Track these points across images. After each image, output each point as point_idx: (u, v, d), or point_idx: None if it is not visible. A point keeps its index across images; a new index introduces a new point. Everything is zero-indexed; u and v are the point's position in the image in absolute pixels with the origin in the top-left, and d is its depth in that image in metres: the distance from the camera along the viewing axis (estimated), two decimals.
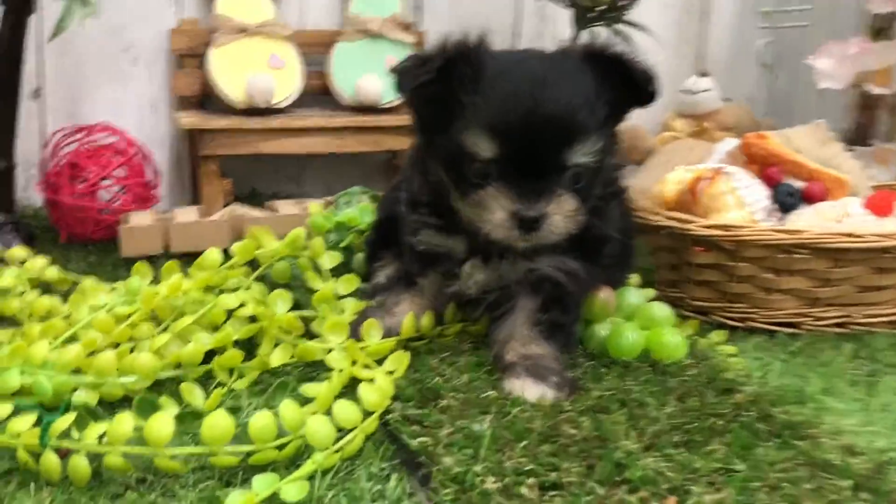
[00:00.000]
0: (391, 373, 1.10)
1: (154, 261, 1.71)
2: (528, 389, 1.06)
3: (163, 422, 0.91)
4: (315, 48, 2.20)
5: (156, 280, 1.29)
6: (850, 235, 1.51)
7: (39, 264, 1.48)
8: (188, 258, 1.73)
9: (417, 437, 0.94)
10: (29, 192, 2.07)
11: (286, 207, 1.90)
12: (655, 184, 1.81)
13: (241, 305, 1.24)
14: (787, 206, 1.74)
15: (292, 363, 1.19)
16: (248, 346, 1.23)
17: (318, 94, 2.22)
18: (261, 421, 0.91)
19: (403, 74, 1.12)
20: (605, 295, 1.25)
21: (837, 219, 1.63)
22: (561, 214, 1.09)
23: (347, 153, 2.09)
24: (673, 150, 2.38)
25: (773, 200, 1.73)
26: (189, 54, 2.12)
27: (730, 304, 1.61)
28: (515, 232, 1.08)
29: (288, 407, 0.92)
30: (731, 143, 2.19)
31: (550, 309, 1.17)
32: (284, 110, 2.08)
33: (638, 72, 1.12)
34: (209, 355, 1.17)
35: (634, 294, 1.31)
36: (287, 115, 2.04)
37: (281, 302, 1.25)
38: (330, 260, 1.36)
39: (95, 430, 0.93)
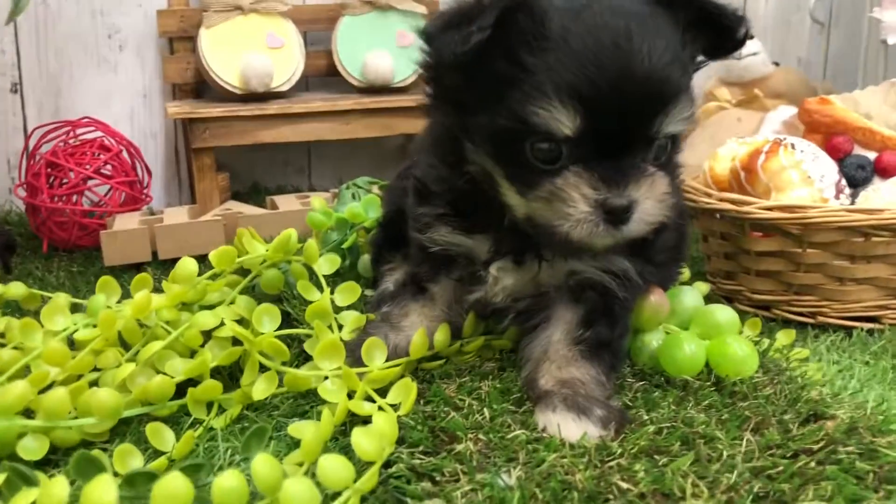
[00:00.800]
0: (396, 407, 0.90)
1: (142, 269, 1.54)
2: (567, 427, 0.84)
3: (104, 487, 0.71)
4: (317, 24, 2.00)
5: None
6: None
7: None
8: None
9: (428, 498, 0.73)
10: (13, 195, 1.90)
11: (287, 203, 1.70)
12: (704, 160, 1.59)
13: (221, 325, 1.05)
14: (858, 181, 1.52)
15: (281, 393, 0.99)
16: (233, 373, 1.04)
17: (323, 75, 2.02)
18: (227, 482, 0.71)
19: (444, 35, 0.86)
20: (656, 298, 1.03)
21: None
22: (654, 199, 0.87)
23: (357, 139, 1.88)
24: (719, 122, 2.16)
25: (841, 174, 1.50)
26: (180, 37, 1.92)
27: (797, 296, 1.40)
28: (602, 227, 0.85)
29: (262, 464, 0.72)
30: (786, 111, 1.96)
31: (594, 322, 0.96)
32: (285, 94, 1.88)
33: (727, 14, 0.90)
34: (191, 385, 0.98)
35: (690, 294, 1.09)
36: (287, 99, 1.84)
37: (267, 319, 1.05)
38: (327, 265, 1.15)
39: (26, 497, 0.74)
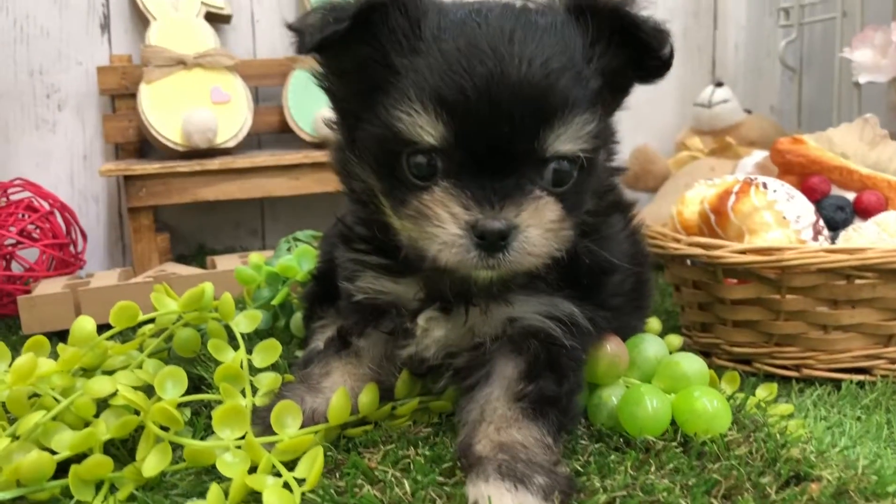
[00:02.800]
0: (302, 482, 0.76)
1: (65, 337, 1.41)
2: (502, 499, 0.70)
3: None
4: (268, 79, 1.92)
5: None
6: None
7: None
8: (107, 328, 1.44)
9: None
10: None
11: (228, 262, 1.58)
12: (672, 204, 1.48)
13: (116, 393, 0.91)
14: (838, 223, 1.41)
15: (181, 469, 0.85)
16: (135, 447, 0.90)
17: (276, 131, 1.92)
18: None
19: (306, 27, 0.79)
20: (613, 348, 0.91)
21: None
22: (539, 226, 0.75)
23: (312, 195, 1.77)
24: (691, 172, 2.06)
25: (818, 215, 1.40)
26: (122, 95, 1.83)
27: (778, 348, 1.28)
28: (474, 254, 0.74)
29: None
30: (758, 154, 1.87)
31: (538, 375, 0.83)
32: (232, 151, 1.78)
33: (646, 29, 0.80)
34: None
35: (652, 344, 0.96)
36: (231, 155, 1.74)
37: (171, 383, 0.92)
38: (246, 322, 1.03)
39: None
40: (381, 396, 0.91)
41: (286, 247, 1.30)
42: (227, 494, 0.76)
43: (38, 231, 1.56)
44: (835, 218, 1.42)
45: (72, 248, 1.63)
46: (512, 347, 0.86)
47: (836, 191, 1.48)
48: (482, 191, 0.74)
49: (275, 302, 1.16)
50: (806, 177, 1.49)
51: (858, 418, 1.11)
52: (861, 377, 1.24)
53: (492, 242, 0.73)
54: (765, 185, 1.33)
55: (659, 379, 0.91)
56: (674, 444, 0.84)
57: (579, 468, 0.79)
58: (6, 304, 1.54)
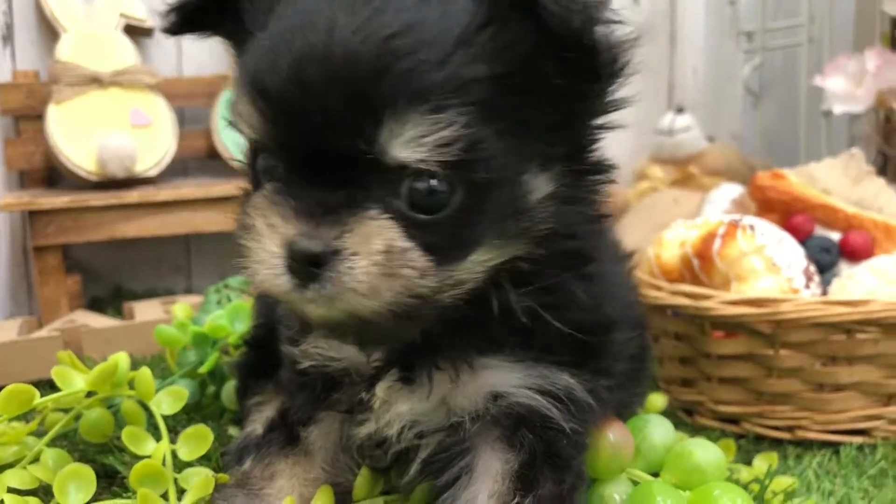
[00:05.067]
0: None
1: None
2: None
3: None
4: (194, 100, 1.73)
5: None
6: None
7: None
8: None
9: None
10: None
11: (147, 311, 1.39)
12: (648, 247, 1.36)
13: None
14: (824, 266, 1.31)
15: None
16: None
17: (203, 157, 1.74)
18: None
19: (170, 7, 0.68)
20: (616, 436, 0.76)
21: None
22: (366, 256, 0.58)
23: None
24: (653, 204, 1.96)
25: (809, 259, 1.29)
26: (27, 116, 1.62)
27: (769, 407, 1.18)
28: (285, 279, 0.59)
29: None
30: (730, 189, 1.77)
31: (535, 478, 0.67)
32: (153, 180, 1.59)
33: (551, 9, 0.57)
34: None
35: (658, 427, 0.81)
36: (153, 185, 1.55)
37: (75, 486, 0.73)
38: (169, 402, 0.84)
39: None
40: (337, 501, 0.74)
41: (216, 298, 1.13)
42: None
43: None
44: (820, 260, 1.31)
45: None
46: (498, 434, 0.70)
47: (819, 230, 1.38)
48: (304, 200, 0.58)
49: (203, 370, 0.98)
50: (789, 215, 1.39)
51: (866, 491, 1.00)
52: (860, 440, 1.13)
53: (303, 267, 0.58)
54: (752, 228, 1.22)
55: (669, 471, 0.77)
56: None
57: None
58: None
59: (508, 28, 0.59)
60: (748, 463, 1.06)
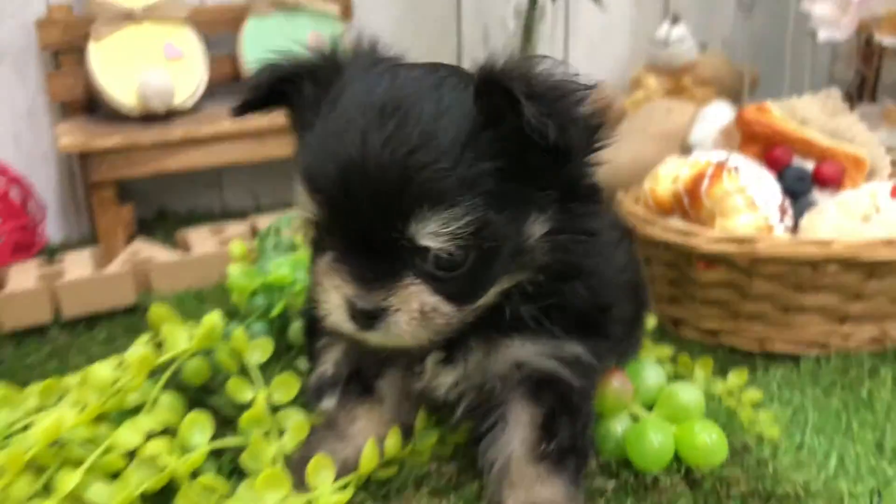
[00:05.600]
0: None
1: (44, 332, 1.40)
2: None
3: None
4: (220, 28, 1.83)
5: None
6: (891, 244, 1.25)
7: None
8: (85, 322, 1.43)
9: None
10: None
11: (200, 241, 1.56)
12: (645, 180, 1.53)
13: (149, 437, 0.93)
14: (797, 193, 1.49)
15: None
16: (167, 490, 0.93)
17: (229, 83, 1.85)
18: None
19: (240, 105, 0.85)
20: (618, 383, 0.97)
21: (865, 215, 1.37)
22: (406, 312, 0.77)
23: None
24: (649, 113, 2.09)
25: (784, 194, 1.47)
26: (65, 50, 1.72)
27: (743, 325, 1.36)
28: (351, 324, 0.79)
29: None
30: (720, 111, 1.91)
31: (557, 427, 0.88)
32: (190, 111, 1.72)
33: (529, 112, 0.70)
34: None
35: (653, 372, 1.03)
36: (193, 118, 1.68)
37: (198, 430, 0.94)
38: (259, 353, 1.04)
39: None
40: (403, 434, 0.96)
41: (271, 243, 1.30)
42: None
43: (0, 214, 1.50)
44: (795, 188, 1.49)
45: (32, 227, 1.58)
46: (524, 392, 0.90)
47: (796, 160, 1.54)
48: (358, 269, 0.77)
49: (273, 314, 1.17)
50: (770, 147, 1.55)
51: (817, 400, 1.21)
52: (817, 352, 1.34)
53: (361, 318, 0.77)
54: (736, 170, 1.38)
55: (660, 408, 0.98)
56: (678, 476, 0.92)
57: None
58: None
59: (502, 129, 0.74)
60: (723, 371, 1.28)
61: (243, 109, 0.85)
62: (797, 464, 1.00)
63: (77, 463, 0.93)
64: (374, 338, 0.80)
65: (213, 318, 1.04)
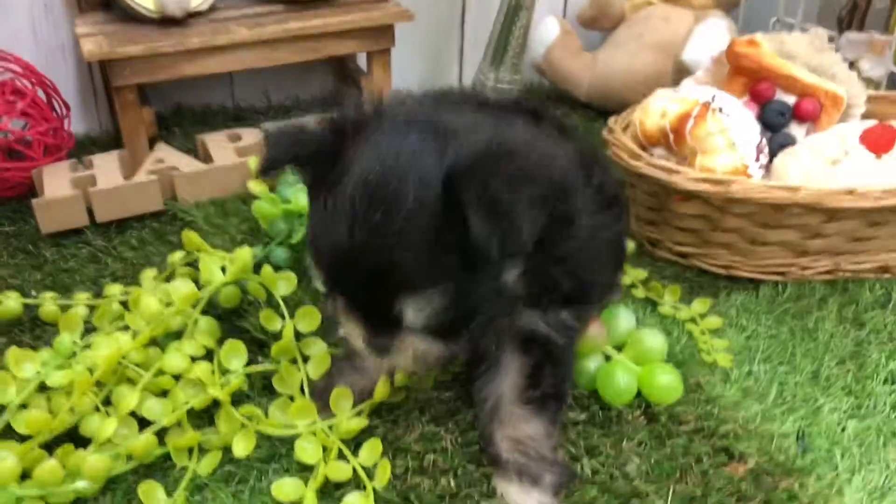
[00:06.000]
0: (368, 471, 1.00)
1: (80, 234, 1.54)
2: (523, 499, 0.97)
3: None
4: None
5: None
6: (851, 194, 1.39)
7: None
8: (116, 225, 1.56)
9: None
10: None
11: (220, 150, 1.67)
12: (636, 110, 1.63)
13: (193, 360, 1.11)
14: (777, 126, 1.62)
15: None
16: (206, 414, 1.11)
17: None
18: None
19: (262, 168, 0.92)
20: (595, 330, 1.14)
21: (835, 160, 1.50)
22: (406, 356, 0.93)
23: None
24: (645, 20, 2.15)
25: (760, 118, 1.59)
26: None
27: (712, 250, 1.52)
28: (367, 351, 0.94)
29: None
30: (715, 27, 1.98)
31: (542, 376, 1.04)
32: (207, 13, 1.78)
33: (475, 229, 0.77)
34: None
35: (624, 317, 1.19)
36: (209, 25, 1.74)
37: (235, 358, 1.12)
38: (285, 286, 1.20)
39: None
40: None
41: (292, 179, 1.42)
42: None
43: (29, 118, 1.60)
44: (776, 122, 1.62)
45: (60, 129, 1.67)
46: (516, 345, 1.05)
47: (779, 94, 1.64)
48: (363, 319, 0.91)
49: (294, 240, 1.31)
50: (755, 81, 1.65)
51: (769, 328, 1.38)
52: (776, 278, 1.51)
53: (374, 351, 0.94)
54: (721, 110, 1.50)
55: (628, 350, 1.16)
56: (639, 412, 1.11)
57: (571, 450, 1.05)
58: (5, 189, 1.63)
59: (463, 228, 0.79)
60: (692, 290, 1.45)
61: (263, 174, 0.93)
62: (742, 396, 1.18)
63: (132, 382, 1.10)
64: (388, 362, 0.97)
65: (245, 254, 1.19)
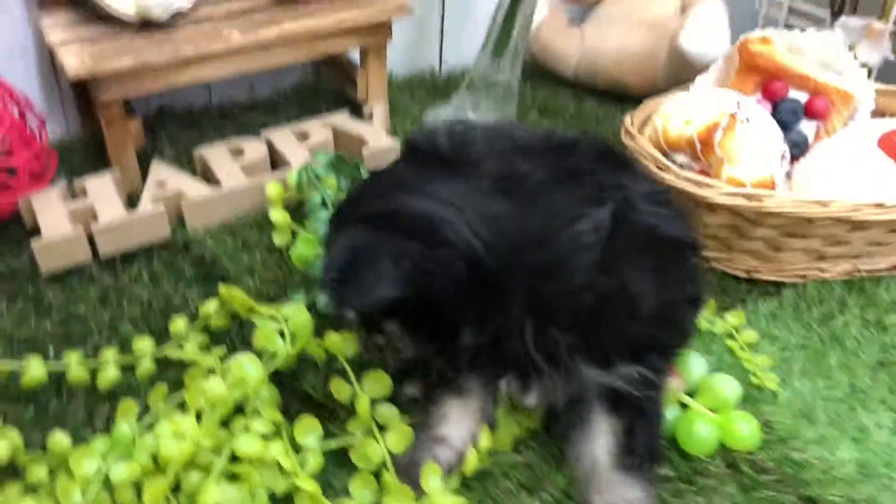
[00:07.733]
0: None
1: (82, 270, 1.43)
2: None
3: None
4: None
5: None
6: (881, 206, 1.41)
7: None
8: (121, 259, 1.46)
9: None
10: None
11: (226, 170, 1.55)
12: (656, 116, 1.61)
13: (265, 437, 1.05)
14: (789, 125, 1.63)
15: None
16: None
17: None
18: None
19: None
20: (672, 381, 1.13)
21: (853, 164, 1.52)
22: (392, 352, 1.09)
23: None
24: None
25: (773, 116, 1.60)
26: None
27: (737, 256, 1.54)
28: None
29: None
30: (712, 6, 1.94)
31: (635, 437, 1.03)
32: (190, 11, 1.63)
33: None
34: None
35: (697, 364, 1.19)
36: (197, 29, 1.59)
37: (310, 435, 1.07)
38: (350, 347, 1.14)
39: None
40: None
41: (304, 179, 1.33)
42: None
43: (8, 143, 1.44)
44: (788, 121, 1.63)
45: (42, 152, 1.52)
46: (601, 402, 1.04)
47: (792, 92, 1.65)
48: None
49: None
50: (769, 79, 1.64)
51: (800, 339, 1.42)
52: (796, 280, 1.54)
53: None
54: (748, 120, 1.49)
55: (702, 397, 1.16)
56: (719, 461, 1.12)
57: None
58: None
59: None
60: (716, 298, 1.47)
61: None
62: (795, 422, 1.19)
63: (202, 467, 1.04)
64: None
65: (303, 318, 1.12)
